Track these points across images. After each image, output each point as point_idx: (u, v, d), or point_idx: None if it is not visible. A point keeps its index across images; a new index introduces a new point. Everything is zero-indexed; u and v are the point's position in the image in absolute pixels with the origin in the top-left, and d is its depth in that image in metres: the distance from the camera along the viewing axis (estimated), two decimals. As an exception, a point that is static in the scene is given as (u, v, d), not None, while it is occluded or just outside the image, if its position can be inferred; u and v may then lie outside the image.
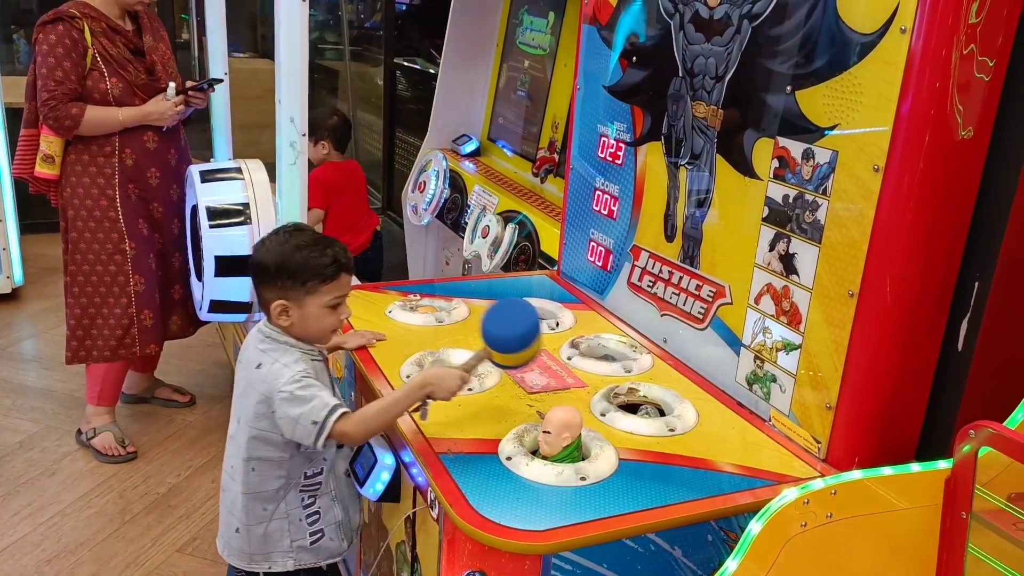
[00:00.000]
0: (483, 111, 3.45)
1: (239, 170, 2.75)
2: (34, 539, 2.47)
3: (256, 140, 3.67)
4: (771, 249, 1.53)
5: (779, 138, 1.50)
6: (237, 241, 2.60)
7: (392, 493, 1.56)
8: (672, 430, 1.50)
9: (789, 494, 1.19)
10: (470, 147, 3.40)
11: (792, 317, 1.49)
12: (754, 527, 1.17)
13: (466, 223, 3.00)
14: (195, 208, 2.70)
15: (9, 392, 3.28)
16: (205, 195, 2.65)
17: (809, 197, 1.43)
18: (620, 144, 1.98)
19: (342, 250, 1.56)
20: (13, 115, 3.61)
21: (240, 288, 2.61)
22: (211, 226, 2.61)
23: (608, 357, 1.80)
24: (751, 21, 1.54)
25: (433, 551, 1.40)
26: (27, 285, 4.24)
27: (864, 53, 1.31)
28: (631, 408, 1.60)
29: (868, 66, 1.31)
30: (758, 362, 1.58)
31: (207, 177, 2.72)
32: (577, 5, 2.24)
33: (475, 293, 2.10)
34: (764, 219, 1.54)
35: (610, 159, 2.02)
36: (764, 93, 1.52)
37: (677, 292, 1.81)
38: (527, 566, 1.22)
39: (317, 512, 1.61)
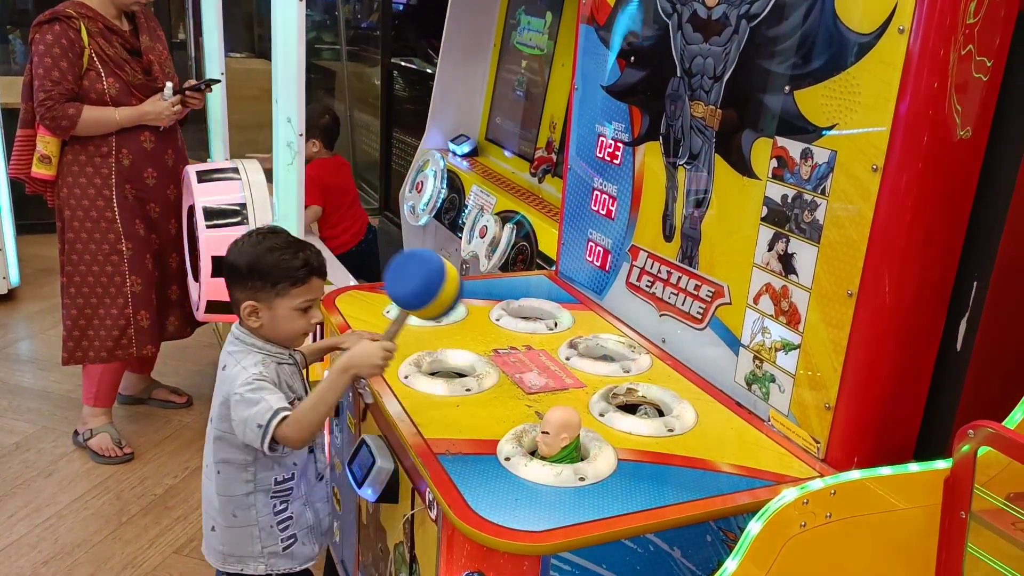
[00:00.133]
0: (481, 111, 3.45)
1: (236, 170, 2.75)
2: (31, 540, 2.46)
3: (252, 140, 3.67)
4: (770, 249, 1.53)
5: (777, 138, 1.50)
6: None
7: (390, 494, 1.55)
8: (671, 430, 1.50)
9: (788, 494, 1.19)
10: (468, 147, 3.39)
11: (791, 317, 1.49)
12: (753, 527, 1.17)
13: (464, 223, 3.00)
14: (192, 208, 2.69)
15: (5, 393, 3.27)
16: (202, 195, 2.65)
17: (808, 197, 1.43)
18: (618, 144, 1.98)
19: (314, 254, 1.57)
20: (9, 115, 3.60)
21: (237, 288, 2.60)
22: (208, 226, 2.60)
23: (607, 357, 1.80)
24: (749, 21, 1.54)
25: (432, 552, 1.40)
26: (23, 286, 4.23)
27: (862, 53, 1.31)
28: (630, 408, 1.59)
29: (866, 66, 1.31)
30: (757, 362, 1.58)
31: (204, 177, 2.71)
32: (575, 5, 2.24)
33: (473, 293, 2.10)
34: (763, 219, 1.54)
35: (608, 159, 2.02)
36: (762, 93, 1.52)
37: (676, 292, 1.81)
38: (526, 567, 1.21)
39: (289, 518, 1.62)
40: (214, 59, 3.09)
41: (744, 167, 1.59)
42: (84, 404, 2.91)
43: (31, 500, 2.64)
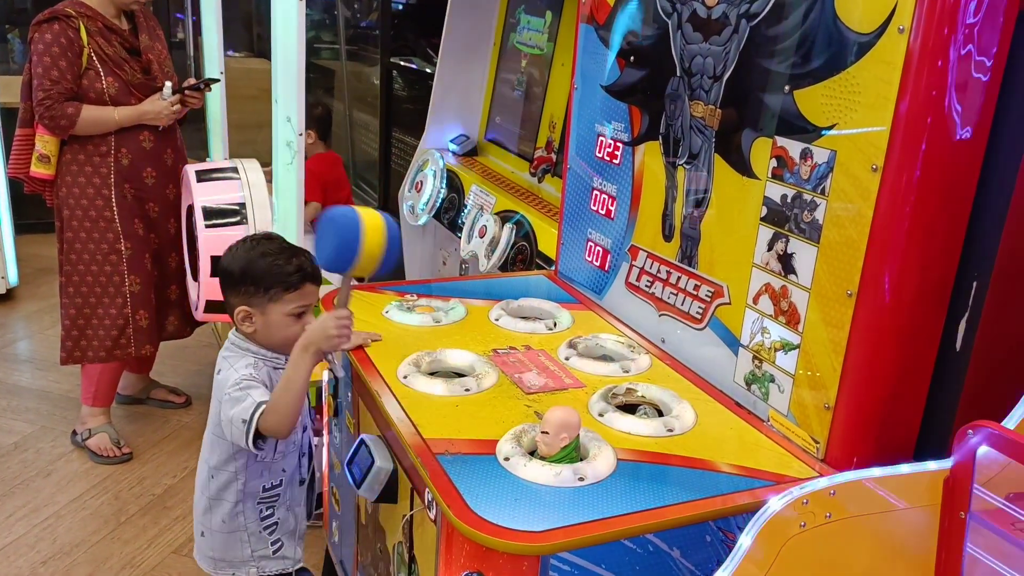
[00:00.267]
0: (480, 111, 3.45)
1: (235, 170, 2.74)
2: (29, 540, 2.46)
3: (252, 140, 3.67)
4: (769, 249, 1.53)
5: (777, 138, 1.49)
6: (233, 241, 2.59)
7: (389, 494, 1.55)
8: (670, 430, 1.50)
9: (788, 494, 1.19)
10: (467, 147, 3.39)
11: (790, 317, 1.49)
12: (752, 528, 1.17)
13: (463, 223, 3.00)
14: (191, 208, 2.69)
15: (4, 393, 3.27)
16: (201, 195, 2.65)
17: (807, 197, 1.43)
18: (618, 144, 1.98)
19: (308, 260, 1.57)
20: (8, 115, 3.59)
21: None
22: (207, 226, 2.60)
23: (606, 357, 1.80)
24: (749, 20, 1.54)
25: (431, 552, 1.40)
26: (22, 285, 4.23)
27: (862, 53, 1.31)
28: (629, 408, 1.59)
29: (866, 66, 1.31)
30: (756, 362, 1.58)
31: (203, 177, 2.71)
32: (574, 4, 2.23)
33: (472, 293, 2.10)
34: (762, 219, 1.54)
35: (608, 159, 2.02)
36: (762, 93, 1.52)
37: (675, 292, 1.81)
38: (525, 567, 1.21)
39: (275, 523, 1.64)
40: (213, 58, 3.09)
41: (744, 167, 1.59)
42: (83, 404, 2.91)
43: (29, 500, 2.63)
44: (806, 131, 1.42)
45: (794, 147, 1.45)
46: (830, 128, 1.38)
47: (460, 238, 2.97)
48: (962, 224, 1.35)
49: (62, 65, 2.55)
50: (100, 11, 2.64)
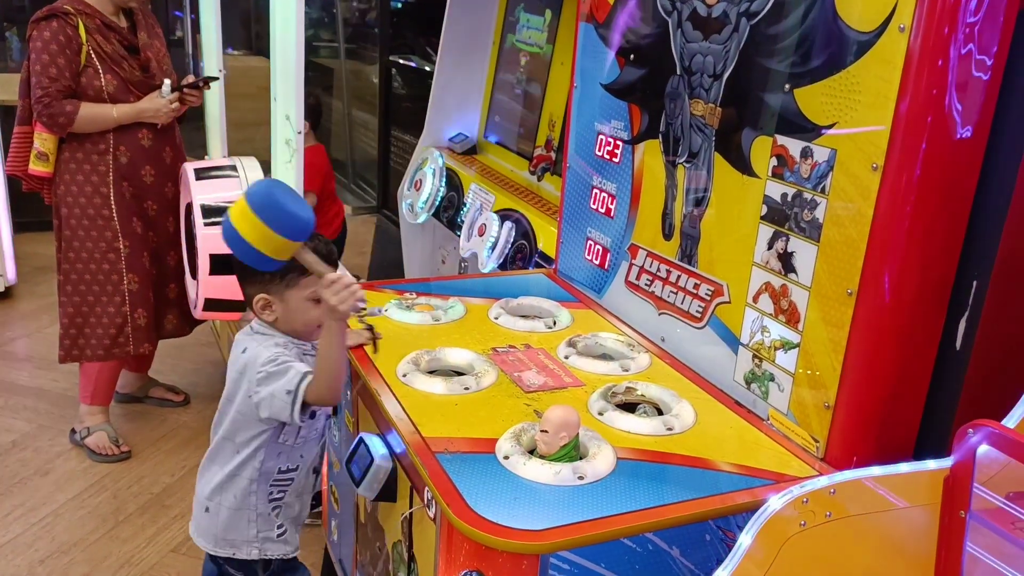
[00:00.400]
0: (479, 109, 3.44)
1: (234, 168, 2.74)
2: (27, 539, 2.45)
3: (251, 138, 3.66)
4: (769, 248, 1.53)
5: (777, 136, 1.49)
6: (232, 239, 2.59)
7: (388, 492, 1.55)
8: (670, 429, 1.49)
9: (788, 493, 1.19)
10: (466, 145, 3.39)
11: (790, 316, 1.49)
12: (752, 527, 1.17)
13: (462, 221, 3.00)
14: (190, 206, 2.69)
15: (2, 391, 3.27)
16: (200, 193, 2.64)
17: (807, 195, 1.43)
18: (617, 142, 1.98)
19: (323, 243, 1.56)
20: (6, 112, 3.59)
21: (235, 286, 2.59)
22: (206, 224, 2.59)
23: (606, 356, 1.79)
24: (749, 19, 1.54)
25: (430, 551, 1.40)
26: (20, 284, 4.22)
27: (862, 51, 1.31)
28: (629, 407, 1.59)
29: (866, 64, 1.31)
30: (756, 361, 1.58)
31: (202, 175, 2.71)
32: (574, 3, 2.23)
33: (472, 292, 2.10)
34: (762, 217, 1.54)
35: (607, 157, 2.02)
36: (762, 91, 1.52)
37: (675, 291, 1.81)
38: (524, 566, 1.21)
39: (280, 507, 1.65)
40: (212, 56, 3.08)
41: (744, 165, 1.58)
42: (81, 402, 2.90)
43: (28, 499, 2.63)
44: (806, 130, 1.42)
45: (794, 146, 1.45)
46: (830, 127, 1.38)
47: (459, 237, 2.97)
48: (962, 223, 1.35)
49: (60, 63, 2.55)
50: (99, 8, 2.64)
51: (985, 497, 1.17)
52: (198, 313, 2.75)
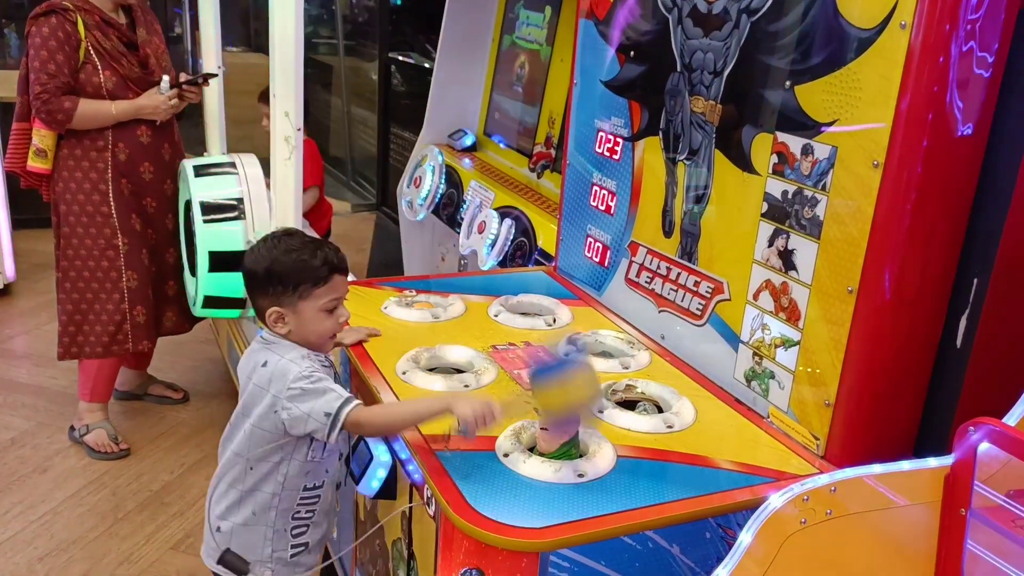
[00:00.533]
0: (479, 106, 3.44)
1: (233, 165, 2.73)
2: (26, 537, 2.45)
3: (249, 135, 3.66)
4: (770, 245, 1.53)
5: (778, 133, 1.49)
6: (231, 236, 2.58)
7: (388, 490, 1.55)
8: (670, 427, 1.49)
9: (789, 491, 1.19)
10: (466, 142, 3.38)
11: (791, 313, 1.49)
12: (752, 525, 1.16)
13: (462, 219, 2.99)
14: (189, 203, 2.68)
15: (0, 388, 3.26)
16: (199, 190, 2.64)
17: (808, 193, 1.43)
18: (617, 139, 1.97)
19: (333, 251, 1.52)
20: (5, 109, 3.58)
21: (234, 284, 2.60)
22: (205, 221, 2.59)
23: (606, 354, 1.79)
24: (750, 16, 1.54)
25: (429, 548, 1.40)
26: (19, 281, 4.21)
27: (863, 48, 1.31)
28: (629, 405, 1.59)
29: (867, 61, 1.30)
30: (756, 359, 1.58)
31: (201, 172, 2.70)
32: (574, 0, 2.23)
33: (471, 289, 2.09)
34: (763, 215, 1.54)
35: (607, 154, 2.01)
36: (763, 88, 1.52)
37: (675, 288, 1.81)
38: (524, 564, 1.21)
39: (306, 526, 1.58)
40: (211, 53, 3.07)
41: (744, 163, 1.58)
42: (80, 400, 2.90)
43: (26, 496, 2.63)
44: (807, 127, 1.42)
45: (795, 143, 1.45)
46: (831, 124, 1.37)
47: (459, 234, 2.97)
48: (963, 221, 1.35)
49: (59, 59, 2.54)
50: (97, 5, 2.63)
51: (986, 495, 1.17)
52: (197, 311, 2.75)
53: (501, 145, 3.29)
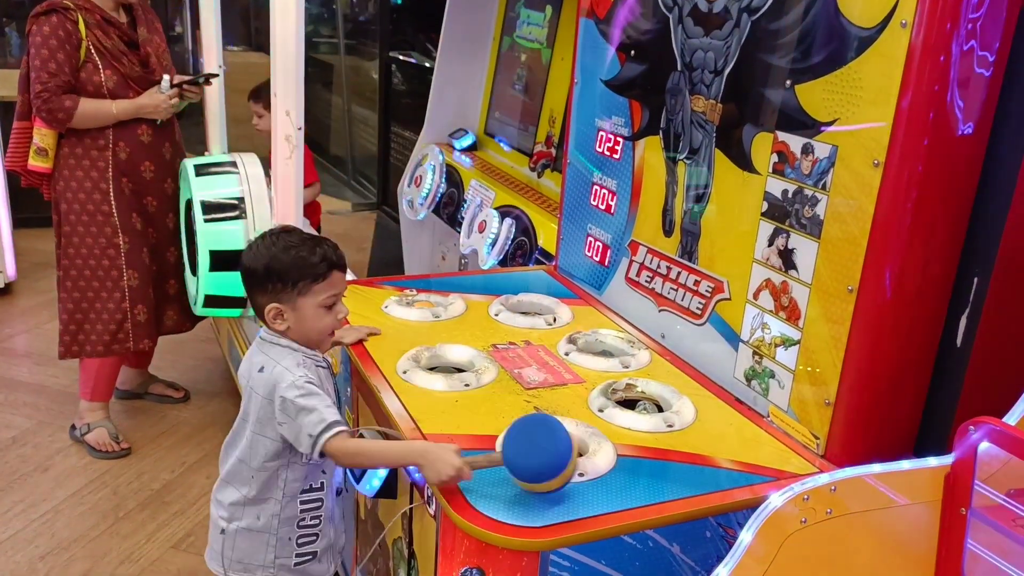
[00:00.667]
0: (480, 105, 3.44)
1: (234, 164, 2.73)
2: (27, 535, 2.45)
3: (250, 134, 3.66)
4: (770, 244, 1.53)
5: (778, 132, 1.49)
6: (232, 235, 2.59)
7: (388, 489, 1.55)
8: (670, 426, 1.49)
9: (789, 490, 1.19)
10: (466, 141, 3.38)
11: (791, 313, 1.49)
12: (753, 524, 1.16)
13: (463, 218, 2.99)
14: (189, 202, 2.68)
15: (2, 388, 3.26)
16: (200, 189, 2.64)
17: (808, 192, 1.43)
18: (618, 139, 1.97)
19: (332, 248, 1.53)
20: (6, 108, 3.58)
21: (235, 283, 2.57)
22: (206, 220, 2.59)
23: (606, 353, 1.79)
24: (750, 15, 1.54)
25: (430, 547, 1.40)
26: (19, 280, 4.22)
27: (864, 47, 1.30)
28: (629, 404, 1.59)
29: (868, 60, 1.30)
30: (756, 358, 1.58)
31: (202, 171, 2.70)
32: (574, -1, 2.22)
33: (472, 288, 2.09)
34: (763, 214, 1.54)
35: (608, 154, 2.01)
36: (763, 87, 1.51)
37: (675, 287, 1.81)
38: (524, 563, 1.21)
39: (315, 535, 1.57)
40: (212, 53, 3.07)
41: (745, 162, 1.58)
42: (81, 399, 2.90)
43: (28, 495, 2.63)
44: (807, 126, 1.42)
45: (795, 142, 1.45)
46: (831, 123, 1.37)
47: (459, 233, 2.97)
48: (963, 220, 1.35)
49: (60, 58, 2.54)
50: (98, 4, 2.63)
51: (986, 494, 1.17)
52: (198, 310, 2.75)
53: (502, 144, 3.29)
